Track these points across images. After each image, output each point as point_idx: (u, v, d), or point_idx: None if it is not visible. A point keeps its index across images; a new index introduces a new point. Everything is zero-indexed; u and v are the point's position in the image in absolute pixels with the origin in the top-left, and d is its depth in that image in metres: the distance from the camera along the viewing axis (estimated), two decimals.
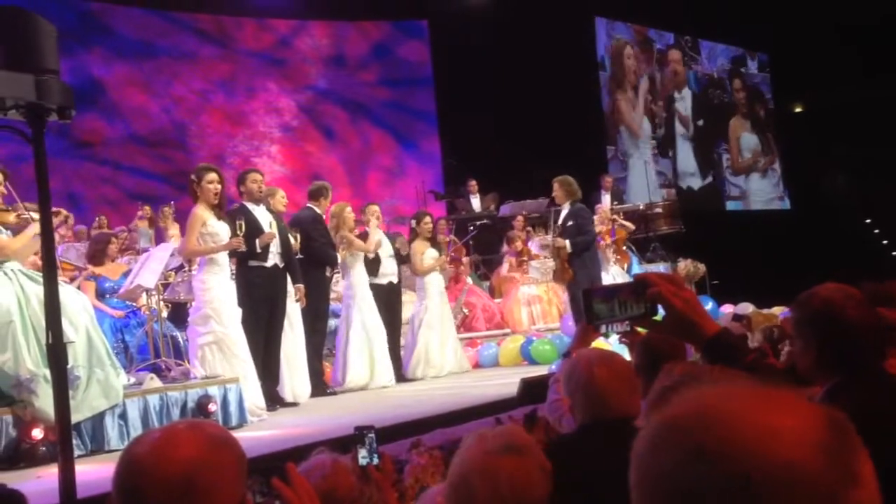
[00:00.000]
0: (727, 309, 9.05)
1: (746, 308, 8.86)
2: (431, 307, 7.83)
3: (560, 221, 7.48)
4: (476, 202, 11.95)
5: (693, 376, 1.28)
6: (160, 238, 10.33)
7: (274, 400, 6.11)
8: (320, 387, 6.86)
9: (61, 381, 2.80)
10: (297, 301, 6.45)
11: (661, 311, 1.39)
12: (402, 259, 7.93)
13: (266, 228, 6.19)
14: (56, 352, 2.77)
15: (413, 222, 8.20)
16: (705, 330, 1.38)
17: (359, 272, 7.29)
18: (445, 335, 7.85)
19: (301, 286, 6.43)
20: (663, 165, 16.43)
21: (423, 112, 14.94)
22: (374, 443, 2.21)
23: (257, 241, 6.07)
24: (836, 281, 2.08)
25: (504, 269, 10.14)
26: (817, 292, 2.03)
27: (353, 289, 7.24)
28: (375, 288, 7.49)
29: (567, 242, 7.25)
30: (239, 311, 5.83)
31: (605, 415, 2.20)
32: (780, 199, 18.25)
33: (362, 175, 14.53)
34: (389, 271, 7.64)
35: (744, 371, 1.34)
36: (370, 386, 7.08)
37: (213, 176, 5.75)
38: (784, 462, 0.62)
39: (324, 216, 7.26)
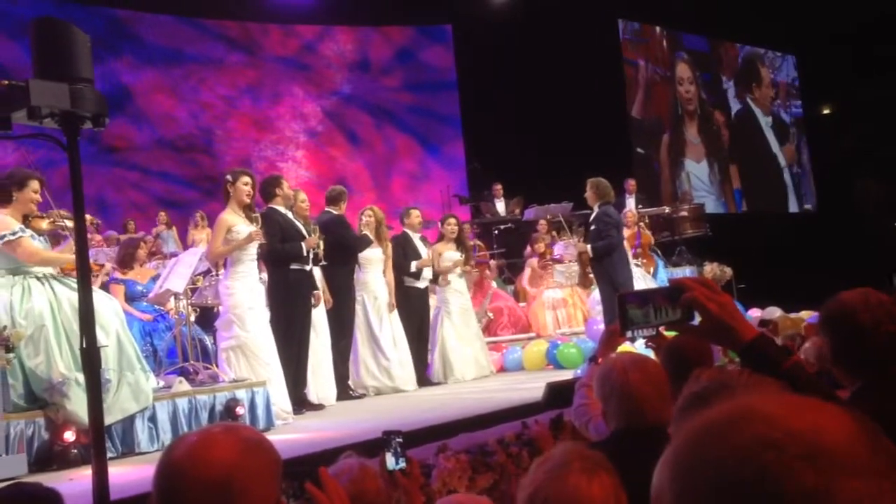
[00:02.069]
0: (754, 313, 8.98)
1: (774, 312, 8.78)
2: (449, 310, 7.86)
3: (589, 225, 7.43)
4: (501, 206, 11.96)
5: (722, 382, 1.29)
6: (185, 243, 10.47)
7: (302, 403, 6.17)
8: (346, 390, 6.91)
9: (95, 385, 2.84)
10: (314, 306, 6.52)
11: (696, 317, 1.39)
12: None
13: (304, 233, 6.33)
14: (90, 356, 2.82)
15: (440, 224, 8.30)
16: (742, 335, 1.37)
17: (368, 277, 7.32)
18: (467, 339, 7.85)
19: (317, 292, 6.52)
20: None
21: (448, 116, 14.96)
22: (401, 447, 2.22)
23: (303, 244, 6.23)
24: (865, 285, 2.08)
25: (526, 273, 10.14)
26: (840, 295, 2.04)
27: (362, 292, 7.29)
28: (413, 291, 7.56)
29: (588, 247, 7.22)
30: (266, 315, 5.91)
31: (640, 422, 2.18)
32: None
33: (387, 179, 14.59)
34: (426, 275, 7.75)
35: (780, 377, 1.33)
36: (389, 390, 7.10)
37: (247, 179, 5.93)
38: (844, 441, 0.64)
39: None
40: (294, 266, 6.28)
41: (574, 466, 1.50)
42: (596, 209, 7.31)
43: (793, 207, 18.11)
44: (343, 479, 2.06)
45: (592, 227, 7.30)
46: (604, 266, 7.19)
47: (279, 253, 6.22)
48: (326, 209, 7.31)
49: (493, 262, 10.52)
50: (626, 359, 2.41)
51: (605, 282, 7.14)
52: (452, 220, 8.17)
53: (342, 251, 7.01)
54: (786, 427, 0.65)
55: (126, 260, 7.31)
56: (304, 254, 6.27)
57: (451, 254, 7.94)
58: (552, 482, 1.47)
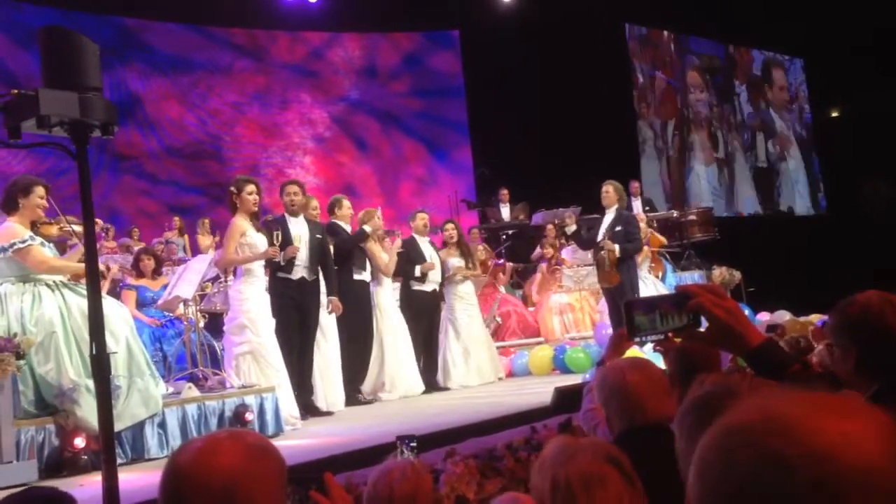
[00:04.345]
0: (763, 317, 8.95)
1: (783, 316, 8.75)
2: (454, 316, 7.84)
3: (607, 226, 7.34)
4: (506, 211, 11.95)
5: (726, 387, 1.29)
6: (195, 249, 10.51)
7: (308, 409, 6.17)
8: (355, 396, 6.91)
9: (105, 392, 2.86)
10: (330, 312, 6.50)
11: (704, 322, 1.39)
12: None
13: (297, 242, 6.29)
14: (100, 362, 2.84)
15: (441, 231, 8.29)
16: (749, 340, 1.37)
17: (381, 281, 7.32)
18: (471, 345, 7.82)
19: (335, 298, 6.49)
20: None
21: (455, 122, 14.98)
22: (414, 452, 2.22)
23: (282, 253, 6.17)
24: (876, 288, 2.06)
25: (537, 278, 10.12)
26: (856, 299, 2.00)
27: (373, 298, 7.29)
28: (420, 294, 7.55)
29: (617, 247, 7.15)
30: (272, 321, 5.92)
31: (642, 420, 2.19)
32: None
33: (395, 185, 14.61)
34: (434, 278, 7.69)
35: (788, 382, 1.33)
36: (394, 395, 7.09)
37: (252, 187, 5.93)
38: (861, 466, 0.62)
39: (341, 223, 7.28)
40: (280, 275, 6.24)
41: (579, 447, 1.51)
42: (615, 212, 7.33)
43: (803, 210, 18.06)
44: (396, 478, 2.06)
45: (618, 229, 7.24)
46: (627, 266, 7.19)
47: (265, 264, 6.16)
48: (330, 220, 7.35)
49: (509, 265, 10.47)
50: (622, 362, 2.43)
51: (625, 284, 7.10)
52: (450, 226, 8.18)
53: (338, 257, 6.96)
54: (804, 444, 0.63)
55: (136, 266, 7.39)
56: (282, 263, 6.17)
57: (453, 260, 7.93)
58: (566, 465, 1.48)
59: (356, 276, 7.07)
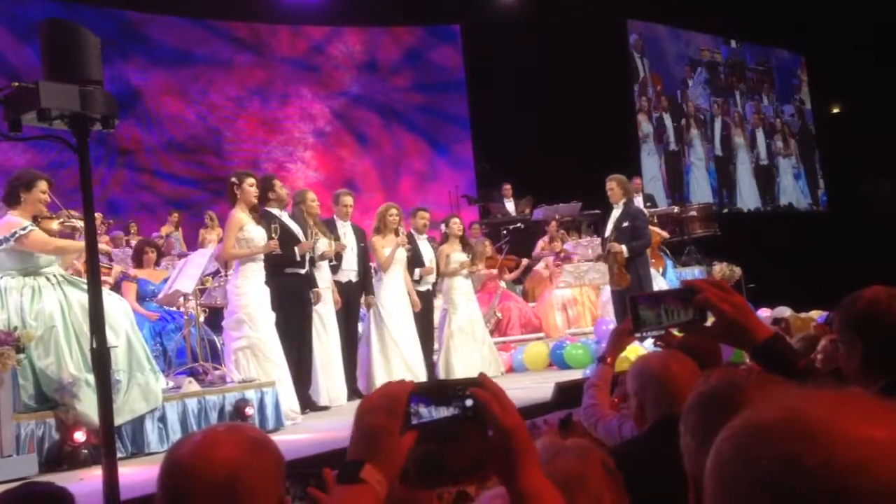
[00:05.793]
0: (764, 312, 8.94)
1: (784, 311, 8.75)
2: (457, 312, 7.82)
3: (613, 223, 7.19)
4: (511, 206, 11.94)
5: (731, 382, 1.28)
6: (191, 244, 10.48)
7: (307, 404, 6.17)
8: (358, 390, 6.91)
9: (105, 386, 2.85)
10: (315, 303, 6.47)
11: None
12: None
13: (299, 235, 6.29)
14: (100, 357, 2.83)
15: (443, 226, 8.25)
16: (756, 335, 1.36)
17: (388, 278, 7.31)
18: (473, 341, 7.81)
19: (317, 290, 6.47)
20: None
21: (456, 116, 14.96)
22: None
23: (296, 248, 6.17)
24: (877, 284, 2.04)
25: (541, 265, 10.09)
26: (862, 294, 1.98)
27: (377, 295, 7.27)
28: (418, 294, 7.54)
29: (624, 248, 6.99)
30: (272, 316, 5.91)
31: (678, 409, 2.19)
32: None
33: (395, 180, 14.59)
34: (429, 279, 7.67)
35: (793, 378, 1.32)
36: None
37: (252, 180, 5.99)
38: (886, 477, 0.58)
39: (337, 218, 7.28)
40: (288, 270, 6.21)
41: (562, 448, 1.50)
42: (621, 206, 7.18)
43: (803, 207, 18.06)
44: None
45: (625, 225, 7.07)
46: (635, 265, 7.03)
47: (272, 259, 6.11)
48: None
49: (524, 262, 10.42)
50: (663, 353, 2.43)
51: (634, 283, 6.92)
52: (457, 220, 8.15)
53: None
54: (827, 450, 0.59)
55: (138, 258, 7.39)
56: (297, 259, 6.18)
57: (457, 255, 7.91)
58: (548, 465, 1.46)
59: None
